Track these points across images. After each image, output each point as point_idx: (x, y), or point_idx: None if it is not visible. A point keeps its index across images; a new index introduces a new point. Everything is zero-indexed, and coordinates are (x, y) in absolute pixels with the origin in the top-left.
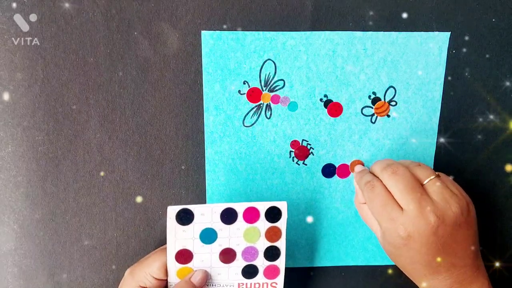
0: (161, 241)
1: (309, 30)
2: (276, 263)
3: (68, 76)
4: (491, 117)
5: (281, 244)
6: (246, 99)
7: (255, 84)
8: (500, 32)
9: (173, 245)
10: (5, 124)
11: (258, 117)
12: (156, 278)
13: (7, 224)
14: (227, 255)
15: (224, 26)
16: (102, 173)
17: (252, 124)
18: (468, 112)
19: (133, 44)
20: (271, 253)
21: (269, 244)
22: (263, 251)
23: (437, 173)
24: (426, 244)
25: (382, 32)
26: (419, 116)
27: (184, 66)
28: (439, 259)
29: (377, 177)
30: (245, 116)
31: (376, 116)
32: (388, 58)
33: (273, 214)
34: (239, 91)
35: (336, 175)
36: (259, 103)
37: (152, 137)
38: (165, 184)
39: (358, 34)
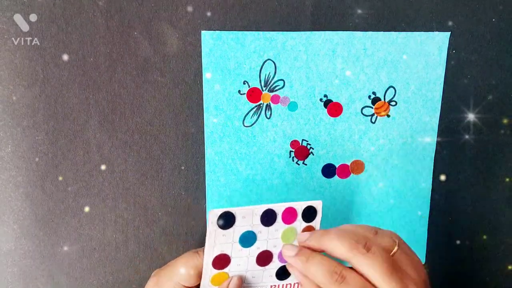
0: (161, 243)
1: (309, 30)
2: None
3: (68, 76)
4: (491, 117)
5: None
6: (246, 99)
7: (255, 84)
8: (500, 32)
9: (211, 251)
10: (5, 124)
11: (258, 117)
12: (186, 286)
13: (7, 224)
14: (264, 258)
15: (224, 26)
16: (101, 173)
17: (252, 124)
18: (468, 112)
19: (133, 44)
20: None
21: None
22: None
23: (394, 237)
24: None
25: (382, 32)
26: (419, 116)
27: (184, 66)
28: None
29: (337, 262)
30: (245, 116)
31: (376, 116)
32: (388, 58)
33: (309, 214)
34: (239, 91)
35: (336, 175)
36: (259, 103)
37: (152, 137)
38: (165, 185)
39: (358, 34)
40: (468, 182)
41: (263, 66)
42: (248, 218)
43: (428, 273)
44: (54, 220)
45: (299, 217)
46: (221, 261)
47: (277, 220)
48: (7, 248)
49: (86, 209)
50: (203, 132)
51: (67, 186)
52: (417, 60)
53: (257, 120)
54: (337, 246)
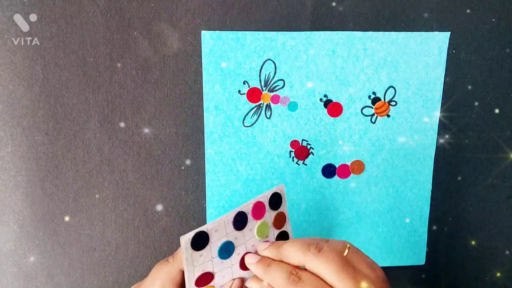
0: (161, 243)
1: (309, 30)
2: None
3: (68, 76)
4: (491, 117)
5: (287, 226)
6: (246, 99)
7: (255, 84)
8: (500, 32)
9: (191, 274)
10: (5, 124)
11: (258, 117)
12: None
13: (7, 224)
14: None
15: (224, 26)
16: (102, 174)
17: (252, 124)
18: (468, 112)
19: (133, 44)
20: (282, 239)
21: (277, 231)
22: (275, 239)
23: (345, 243)
24: None
25: (382, 32)
26: (419, 116)
27: (184, 66)
28: None
29: (291, 263)
30: (245, 116)
31: (376, 116)
32: (388, 58)
33: (274, 201)
34: (239, 91)
35: (336, 175)
36: (259, 103)
37: (152, 137)
38: (164, 185)
39: (358, 34)
40: (468, 182)
41: (263, 66)
42: (221, 230)
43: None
44: (54, 220)
45: (267, 207)
46: (204, 279)
47: (248, 220)
48: (7, 248)
49: (86, 209)
50: (203, 132)
51: (67, 186)
52: (417, 60)
53: (257, 120)
54: (292, 252)
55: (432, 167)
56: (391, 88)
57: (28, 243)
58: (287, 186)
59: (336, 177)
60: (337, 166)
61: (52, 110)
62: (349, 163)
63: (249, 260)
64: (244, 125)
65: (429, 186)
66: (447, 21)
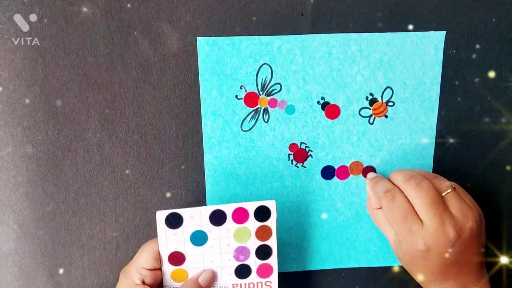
0: None
1: (309, 30)
2: (269, 261)
3: (68, 76)
4: (491, 117)
5: (272, 242)
6: (244, 103)
7: (252, 88)
8: (500, 32)
9: (165, 248)
10: (5, 124)
11: (256, 122)
12: (148, 269)
13: (7, 224)
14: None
15: (224, 26)
16: (102, 173)
17: (250, 129)
18: (468, 112)
19: (133, 44)
20: (263, 252)
21: (260, 243)
22: (255, 250)
23: (452, 185)
24: (443, 257)
25: (377, 33)
26: (417, 116)
27: (184, 66)
28: (451, 269)
29: (397, 187)
30: (242, 121)
31: (374, 117)
32: (384, 58)
33: (262, 213)
34: (236, 96)
35: (335, 176)
36: (256, 107)
37: (152, 137)
38: (165, 184)
39: (354, 36)
40: (468, 182)
41: (260, 71)
42: (196, 218)
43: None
44: (54, 220)
45: (251, 216)
46: (177, 258)
47: (227, 220)
48: (7, 248)
49: (86, 208)
50: (203, 131)
51: (68, 186)
52: (413, 60)
53: (255, 124)
54: (396, 176)
55: (432, 167)
56: (388, 89)
57: (28, 243)
58: (287, 189)
59: (335, 179)
60: (336, 168)
61: (52, 110)
62: (348, 165)
63: (369, 176)
64: (242, 130)
65: None
66: (447, 21)
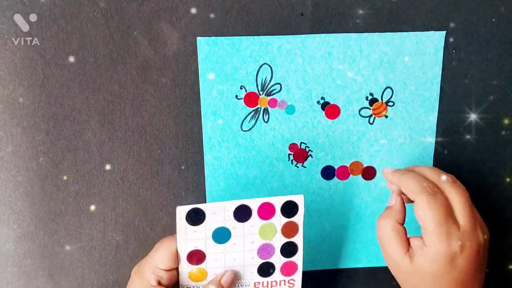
0: None
1: (309, 30)
2: (293, 259)
3: (68, 76)
4: (492, 117)
5: (298, 239)
6: (244, 103)
7: (252, 88)
8: (500, 32)
9: (184, 246)
10: (5, 124)
11: (256, 122)
12: (165, 270)
13: (7, 224)
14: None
15: (224, 26)
16: (102, 173)
17: (250, 129)
18: (468, 112)
19: (133, 44)
20: (288, 250)
21: (285, 240)
22: (280, 247)
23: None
24: (471, 263)
25: (377, 33)
26: (417, 116)
27: (184, 66)
28: (474, 282)
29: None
30: (242, 121)
31: (374, 117)
32: (384, 58)
33: (289, 209)
34: (236, 96)
35: (335, 177)
36: (256, 107)
37: (152, 137)
38: (165, 184)
39: (354, 35)
40: (468, 183)
41: (260, 71)
42: (219, 214)
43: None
44: (54, 220)
45: (278, 212)
46: (196, 257)
47: (252, 216)
48: (7, 248)
49: (86, 209)
50: (202, 132)
51: (67, 186)
52: (413, 60)
53: (255, 124)
54: (428, 172)
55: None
56: (388, 89)
57: (28, 243)
58: (287, 189)
59: (335, 179)
60: (336, 168)
61: (52, 110)
62: (348, 165)
63: (386, 170)
64: (242, 130)
65: None
66: (447, 21)
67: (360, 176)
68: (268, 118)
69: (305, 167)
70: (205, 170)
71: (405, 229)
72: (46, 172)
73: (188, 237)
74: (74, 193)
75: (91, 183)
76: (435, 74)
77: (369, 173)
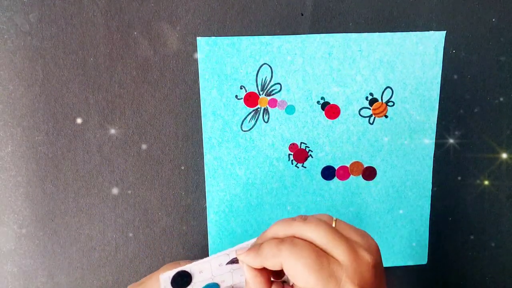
0: (161, 243)
1: (309, 30)
2: None
3: (68, 76)
4: (492, 117)
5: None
6: (244, 103)
7: (252, 88)
8: (500, 32)
9: None
10: (5, 124)
11: (256, 122)
12: None
13: (7, 224)
14: None
15: (224, 26)
16: (101, 174)
17: (250, 129)
18: (468, 112)
19: (133, 44)
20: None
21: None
22: None
23: (330, 216)
24: None
25: (377, 33)
26: (417, 116)
27: (184, 66)
28: None
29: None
30: (243, 121)
31: (374, 117)
32: (384, 58)
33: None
34: (236, 96)
35: (336, 177)
36: (256, 107)
37: (152, 137)
38: (164, 185)
39: (353, 36)
40: (468, 182)
41: (260, 71)
42: (206, 271)
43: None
44: (54, 220)
45: None
46: None
47: (238, 266)
48: (7, 248)
49: (86, 209)
50: (202, 132)
51: (67, 186)
52: (413, 60)
53: (255, 124)
54: (276, 228)
55: (432, 167)
56: (388, 89)
57: (28, 243)
58: (287, 189)
59: (335, 179)
60: (336, 168)
61: (52, 110)
62: (348, 165)
63: (239, 252)
64: (242, 130)
65: (429, 186)
66: (447, 21)
67: (360, 176)
68: (268, 118)
69: (305, 167)
70: (205, 170)
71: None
72: (46, 172)
73: None
74: (74, 193)
75: (91, 184)
76: (435, 74)
77: (369, 173)
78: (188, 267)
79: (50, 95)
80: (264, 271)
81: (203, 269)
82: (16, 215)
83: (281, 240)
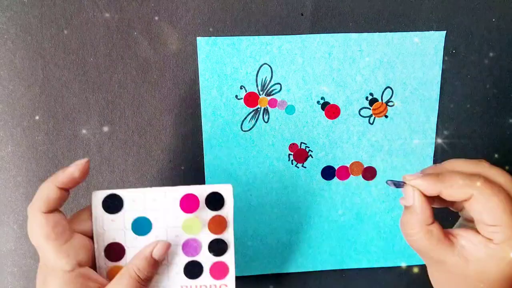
0: None
1: (309, 30)
2: (224, 259)
3: (68, 76)
4: (492, 117)
5: (229, 236)
6: (244, 103)
7: (252, 88)
8: (500, 32)
9: (101, 238)
10: (5, 124)
11: (256, 122)
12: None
13: (7, 224)
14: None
15: (224, 26)
16: (102, 173)
17: (250, 129)
18: (468, 112)
19: (133, 44)
20: (217, 247)
21: (213, 236)
22: (207, 244)
23: None
24: None
25: (377, 33)
26: (417, 116)
27: (184, 66)
28: None
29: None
30: (242, 121)
31: (374, 117)
32: (384, 58)
33: (215, 201)
34: (236, 96)
35: (336, 177)
36: (256, 107)
37: (152, 137)
38: (164, 185)
39: (354, 36)
40: None
41: (259, 71)
42: (139, 202)
43: None
44: None
45: (203, 204)
46: (115, 251)
47: (175, 207)
48: (7, 248)
49: None
50: (202, 132)
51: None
52: (413, 60)
53: (255, 124)
54: (460, 164)
55: None
56: (388, 89)
57: (28, 243)
58: (287, 189)
59: (335, 179)
60: (336, 168)
61: (52, 110)
62: (348, 165)
63: (409, 177)
64: (242, 130)
65: None
66: (447, 21)
67: (360, 176)
68: (268, 118)
69: (305, 167)
70: (205, 170)
71: (439, 226)
72: (46, 172)
73: (106, 228)
74: (74, 193)
75: (91, 183)
76: (435, 74)
77: (369, 173)
78: (121, 191)
79: (50, 95)
80: (429, 201)
81: (136, 198)
82: (16, 215)
83: (472, 174)
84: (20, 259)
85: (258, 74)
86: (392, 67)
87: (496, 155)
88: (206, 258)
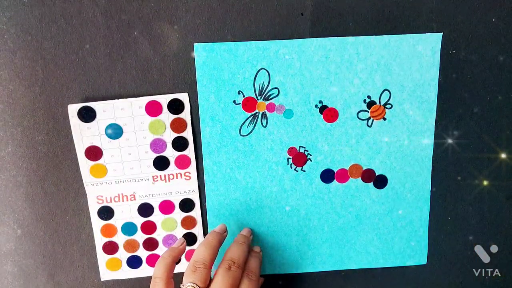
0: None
1: (309, 30)
2: (186, 152)
3: (68, 76)
4: (491, 117)
5: (188, 134)
6: (242, 108)
7: (250, 93)
8: (500, 32)
9: (80, 143)
10: (5, 124)
11: (254, 126)
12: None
13: (7, 224)
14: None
15: (224, 26)
16: None
17: (249, 133)
18: (467, 112)
19: (133, 44)
20: (179, 144)
21: (176, 135)
22: (171, 142)
23: None
24: None
25: (374, 36)
26: (415, 118)
27: (184, 66)
28: None
29: None
30: (241, 126)
31: (372, 120)
32: (381, 61)
33: (175, 106)
34: (234, 101)
35: (335, 180)
36: (254, 112)
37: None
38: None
39: (350, 39)
40: (468, 182)
41: (257, 75)
42: (109, 111)
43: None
44: (54, 220)
45: (165, 109)
46: (94, 153)
47: (141, 113)
48: (7, 248)
49: (86, 209)
50: (201, 137)
51: (67, 186)
52: (410, 62)
53: (253, 129)
54: None
55: (431, 168)
56: (386, 91)
57: (28, 243)
58: (286, 193)
59: (335, 182)
60: (335, 171)
61: (52, 110)
62: (347, 168)
63: None
64: (240, 135)
65: (428, 187)
66: (447, 21)
67: (359, 179)
68: (267, 122)
69: (304, 171)
70: (204, 175)
71: None
72: (46, 172)
73: (83, 134)
74: (74, 193)
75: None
76: (432, 76)
77: (368, 175)
78: (92, 104)
79: (50, 95)
80: None
81: (106, 108)
82: (16, 215)
83: None
84: (20, 259)
85: (256, 79)
86: (389, 69)
87: (495, 155)
88: (171, 153)
